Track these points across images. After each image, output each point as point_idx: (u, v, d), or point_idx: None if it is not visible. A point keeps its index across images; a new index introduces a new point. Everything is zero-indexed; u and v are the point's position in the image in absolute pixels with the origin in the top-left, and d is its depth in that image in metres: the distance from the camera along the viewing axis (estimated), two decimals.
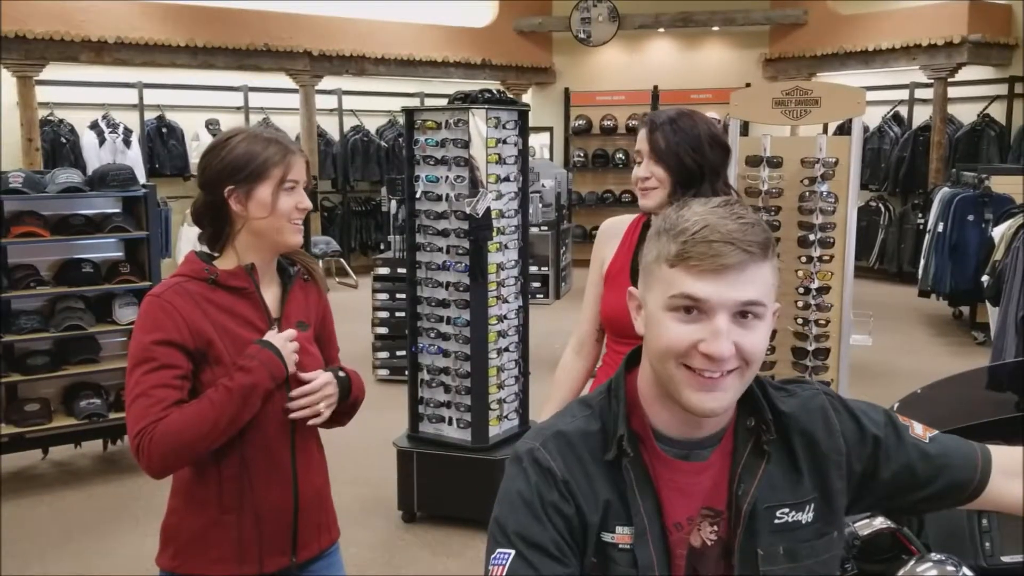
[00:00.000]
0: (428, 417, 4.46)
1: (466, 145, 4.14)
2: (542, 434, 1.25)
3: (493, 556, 1.17)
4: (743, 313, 1.14)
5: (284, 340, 1.94)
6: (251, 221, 1.93)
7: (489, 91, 4.32)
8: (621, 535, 1.19)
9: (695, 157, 2.22)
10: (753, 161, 3.89)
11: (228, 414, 1.85)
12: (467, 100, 4.23)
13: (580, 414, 1.27)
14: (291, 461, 2.00)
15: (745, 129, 4.11)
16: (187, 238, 10.62)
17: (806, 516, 1.23)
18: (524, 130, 4.36)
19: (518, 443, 1.27)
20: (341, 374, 2.06)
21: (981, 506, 1.35)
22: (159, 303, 1.89)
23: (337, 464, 2.35)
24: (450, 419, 4.40)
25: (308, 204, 1.96)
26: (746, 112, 4.06)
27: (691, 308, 1.14)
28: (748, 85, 11.05)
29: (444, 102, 4.42)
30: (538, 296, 9.96)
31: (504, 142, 4.26)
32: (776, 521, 1.22)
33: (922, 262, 8.67)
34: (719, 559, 1.23)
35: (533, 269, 9.88)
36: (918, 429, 1.33)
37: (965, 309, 8.78)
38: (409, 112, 4.35)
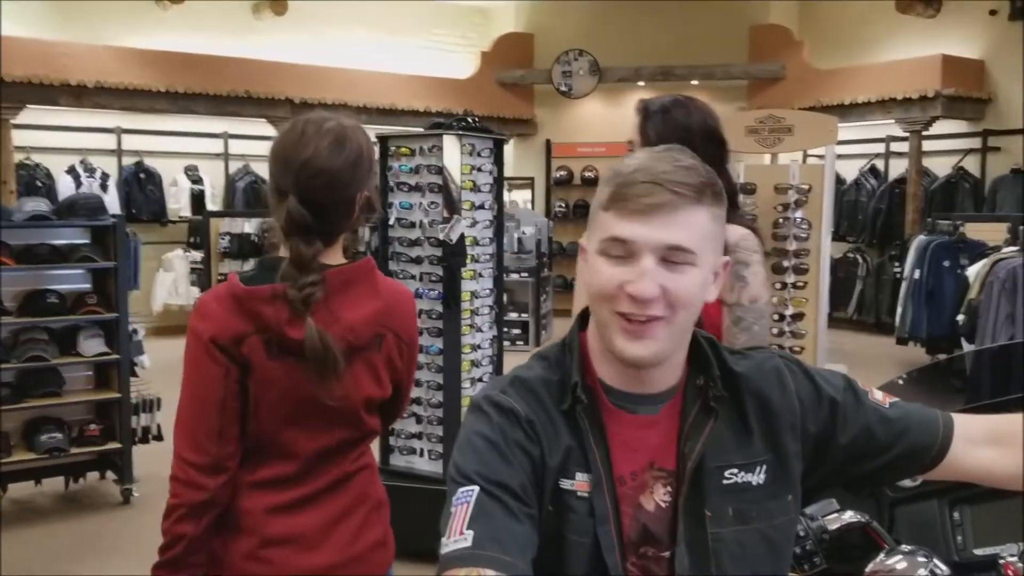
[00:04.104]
0: (399, 449, 4.36)
1: (440, 171, 4.11)
2: (500, 382, 1.23)
3: (456, 497, 1.10)
4: (672, 258, 1.12)
5: None
6: None
7: (464, 119, 4.31)
8: (580, 482, 1.16)
9: None
10: None
11: None
12: (442, 127, 4.22)
13: (538, 365, 1.24)
14: None
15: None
16: (162, 284, 10.52)
17: (757, 477, 1.19)
18: (499, 158, 4.34)
19: (475, 394, 1.23)
20: None
21: (943, 475, 1.29)
22: None
23: None
24: (421, 451, 4.29)
25: None
26: None
27: (620, 250, 1.14)
28: None
29: None
30: (518, 343, 9.90)
31: (479, 169, 4.24)
32: (725, 481, 1.18)
33: (899, 309, 8.68)
34: (672, 522, 1.18)
35: (513, 316, 9.86)
36: (878, 395, 1.29)
37: (942, 357, 8.76)
38: (383, 139, 4.32)
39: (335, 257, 1.78)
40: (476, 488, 1.09)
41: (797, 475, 1.23)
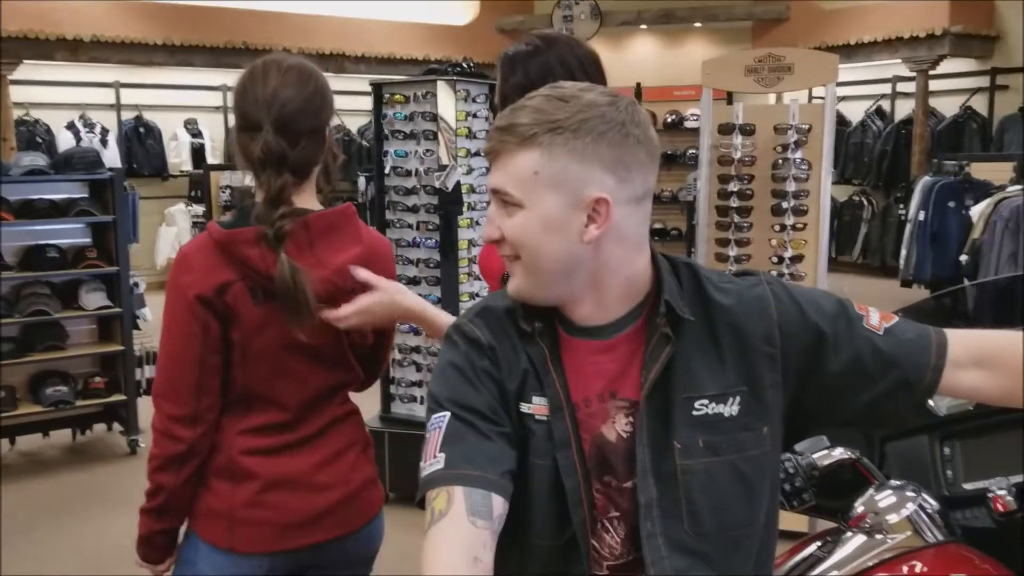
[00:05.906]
0: (400, 397, 4.39)
1: (435, 118, 4.07)
2: (471, 311, 1.27)
3: (430, 423, 1.17)
4: (504, 201, 1.17)
5: None
6: None
7: (459, 65, 4.26)
8: (537, 405, 1.18)
9: None
10: (725, 129, 3.84)
11: None
12: (436, 73, 4.18)
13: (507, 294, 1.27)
14: None
15: (730, 99, 4.05)
16: (165, 238, 10.53)
17: (730, 409, 1.19)
18: (494, 104, 4.29)
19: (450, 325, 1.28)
20: None
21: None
22: None
23: None
24: (422, 398, 4.32)
25: None
26: (719, 80, 4.00)
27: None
28: None
29: None
30: None
31: (474, 116, 4.20)
32: (695, 413, 1.18)
33: (903, 252, 8.61)
34: (631, 452, 1.19)
35: None
36: (874, 319, 1.25)
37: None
38: (377, 86, 4.28)
39: (311, 202, 1.76)
40: (448, 413, 1.15)
41: (775, 407, 1.21)
